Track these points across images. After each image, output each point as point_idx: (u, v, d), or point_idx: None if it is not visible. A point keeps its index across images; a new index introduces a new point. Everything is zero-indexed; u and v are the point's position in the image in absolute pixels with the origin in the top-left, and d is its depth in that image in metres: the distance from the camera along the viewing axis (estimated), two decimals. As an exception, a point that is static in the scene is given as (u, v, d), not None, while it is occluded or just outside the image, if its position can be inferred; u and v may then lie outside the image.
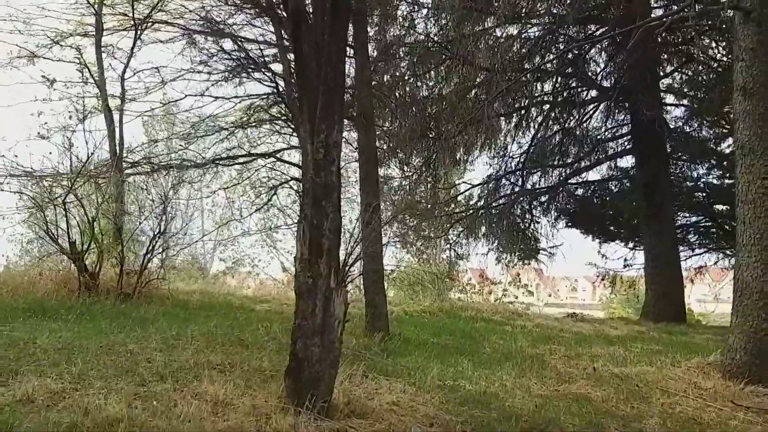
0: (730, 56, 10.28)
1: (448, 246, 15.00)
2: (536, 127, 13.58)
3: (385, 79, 11.11)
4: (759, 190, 5.89)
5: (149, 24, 12.67)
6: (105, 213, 9.04)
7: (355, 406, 3.99)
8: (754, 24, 5.93)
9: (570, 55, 12.41)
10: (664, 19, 7.55)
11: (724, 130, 12.91)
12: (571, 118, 13.78)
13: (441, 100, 11.90)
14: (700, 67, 12.60)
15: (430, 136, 12.04)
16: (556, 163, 13.73)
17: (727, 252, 13.62)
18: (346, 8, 4.12)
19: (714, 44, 11.89)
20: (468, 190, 14.62)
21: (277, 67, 11.41)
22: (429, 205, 13.73)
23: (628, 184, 14.20)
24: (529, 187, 13.84)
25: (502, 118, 12.69)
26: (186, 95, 13.26)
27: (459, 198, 14.67)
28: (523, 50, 12.24)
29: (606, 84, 13.21)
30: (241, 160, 14.21)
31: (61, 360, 4.62)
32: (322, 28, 3.94)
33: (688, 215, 14.12)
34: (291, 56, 7.22)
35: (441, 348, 7.01)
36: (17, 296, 7.65)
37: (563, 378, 5.76)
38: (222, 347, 5.64)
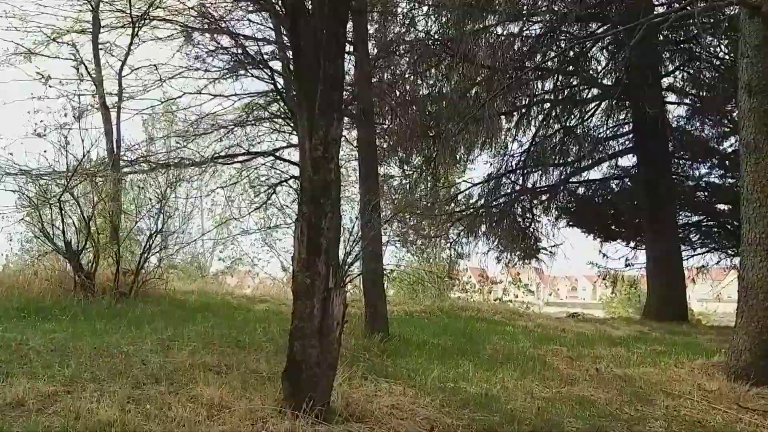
0: (733, 54, 10.21)
1: (449, 245, 14.93)
2: (537, 125, 13.52)
3: (385, 77, 11.02)
4: (764, 189, 5.83)
5: (147, 21, 12.56)
6: (101, 212, 8.96)
7: (354, 410, 3.90)
8: (761, 20, 5.84)
9: (571, 53, 12.34)
10: (668, 16, 7.44)
11: (726, 129, 12.85)
12: (572, 116, 13.72)
13: (441, 98, 11.82)
14: (703, 66, 12.51)
15: (431, 134, 11.96)
16: (556, 161, 13.64)
17: (729, 252, 13.57)
18: (345, 3, 4.04)
19: (717, 42, 11.81)
20: (468, 189, 14.54)
21: (276, 65, 11.32)
22: (429, 204, 13.64)
23: (629, 183, 14.16)
24: (529, 186, 13.78)
25: (503, 116, 12.61)
26: (184, 93, 13.15)
27: (459, 197, 14.57)
28: (524, 48, 12.17)
29: (607, 82, 13.17)
30: (240, 158, 14.10)
31: (54, 361, 4.53)
32: (320, 24, 3.86)
33: (689, 215, 14.08)
34: (290, 53, 7.12)
35: (441, 349, 6.92)
36: (11, 296, 7.58)
37: (566, 380, 5.69)
38: (219, 348, 5.55)
